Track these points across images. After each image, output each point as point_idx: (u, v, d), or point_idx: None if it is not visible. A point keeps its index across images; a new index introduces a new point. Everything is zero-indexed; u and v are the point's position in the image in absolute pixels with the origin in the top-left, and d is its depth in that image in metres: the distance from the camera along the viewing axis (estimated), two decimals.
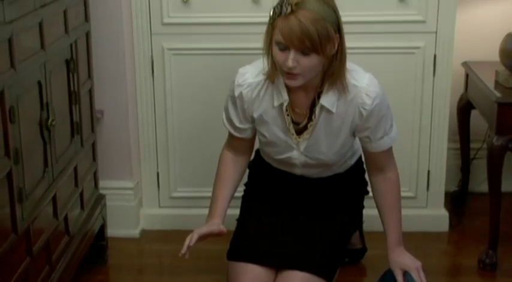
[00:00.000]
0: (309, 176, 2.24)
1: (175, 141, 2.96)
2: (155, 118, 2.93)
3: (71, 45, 2.35)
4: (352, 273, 2.64)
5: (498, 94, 2.63)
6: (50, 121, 2.09)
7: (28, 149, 1.94)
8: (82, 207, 2.49)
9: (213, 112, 2.83)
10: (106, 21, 2.76)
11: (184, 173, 3.00)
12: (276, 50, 1.96)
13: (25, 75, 1.91)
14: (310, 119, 2.11)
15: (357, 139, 2.21)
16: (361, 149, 2.26)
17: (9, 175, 1.82)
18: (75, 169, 2.39)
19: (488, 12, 3.11)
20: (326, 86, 2.04)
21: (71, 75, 2.34)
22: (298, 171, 2.23)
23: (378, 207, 2.22)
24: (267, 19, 2.01)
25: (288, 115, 2.11)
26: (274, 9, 1.94)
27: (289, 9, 1.89)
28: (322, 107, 2.07)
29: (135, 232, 3.00)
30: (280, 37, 1.91)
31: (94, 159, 2.67)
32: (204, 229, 2.10)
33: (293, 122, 2.12)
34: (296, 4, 1.88)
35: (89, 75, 2.60)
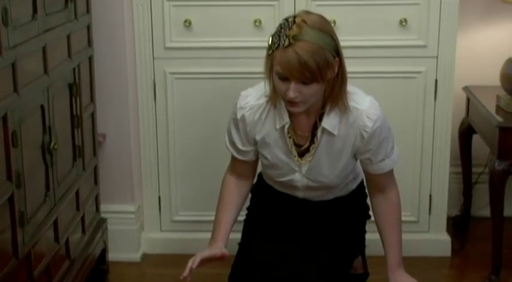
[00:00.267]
0: (311, 199, 2.24)
1: (177, 165, 2.96)
2: (157, 142, 2.93)
3: (74, 69, 2.36)
4: None
5: (499, 119, 2.64)
6: (52, 145, 2.09)
7: (30, 172, 1.94)
8: (83, 231, 2.49)
9: (214, 136, 2.84)
10: (109, 45, 2.78)
11: (185, 197, 3.00)
12: (276, 79, 1.97)
13: (28, 99, 1.92)
14: (312, 142, 2.11)
15: (359, 162, 2.21)
16: (363, 173, 2.26)
17: (11, 199, 1.82)
18: (77, 193, 2.39)
19: (489, 37, 3.12)
20: (327, 108, 2.05)
21: (73, 99, 2.35)
22: (300, 194, 2.23)
23: (378, 227, 2.22)
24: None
25: (290, 137, 2.11)
26: (272, 38, 1.95)
27: (286, 42, 1.90)
28: (324, 129, 2.07)
29: (136, 256, 2.99)
30: (280, 69, 1.93)
31: (96, 182, 2.67)
32: (207, 252, 2.09)
33: (295, 144, 2.13)
34: (293, 37, 1.90)
35: (92, 99, 2.61)
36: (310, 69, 1.89)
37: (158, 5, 2.79)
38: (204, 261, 2.07)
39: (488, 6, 3.08)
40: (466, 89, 3.03)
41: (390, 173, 2.18)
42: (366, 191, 2.30)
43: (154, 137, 2.93)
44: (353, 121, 2.06)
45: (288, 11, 2.67)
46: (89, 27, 2.54)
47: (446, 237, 2.99)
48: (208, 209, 2.67)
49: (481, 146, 2.99)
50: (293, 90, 1.93)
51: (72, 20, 2.33)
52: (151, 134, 2.92)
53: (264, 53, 2.03)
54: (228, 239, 2.18)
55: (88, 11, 2.54)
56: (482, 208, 3.19)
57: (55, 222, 2.16)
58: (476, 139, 3.03)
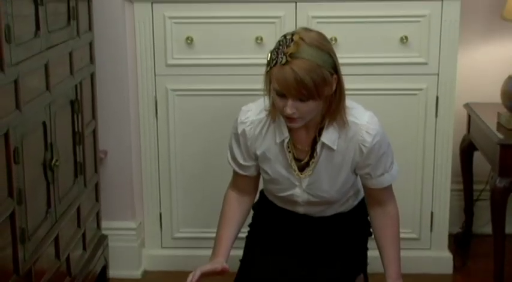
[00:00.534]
0: (312, 214, 2.24)
1: (178, 181, 2.96)
2: (158, 159, 2.94)
3: (76, 86, 2.37)
4: None
5: (500, 136, 2.64)
6: (53, 161, 2.09)
7: (31, 189, 1.94)
8: (84, 247, 2.48)
9: (216, 153, 2.84)
10: (111, 62, 2.79)
11: (186, 214, 2.99)
12: (274, 95, 1.98)
13: (30, 115, 1.92)
14: (312, 156, 2.12)
15: (359, 178, 2.21)
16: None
17: (12, 215, 1.82)
18: (78, 209, 2.39)
19: (489, 55, 3.13)
20: (326, 123, 2.06)
21: (75, 115, 2.35)
22: (301, 209, 2.23)
23: (376, 241, 2.22)
24: None
25: (289, 152, 2.12)
26: (271, 55, 1.97)
27: (284, 60, 1.91)
28: (324, 144, 2.08)
29: (137, 273, 2.98)
30: (277, 86, 1.94)
31: (97, 199, 2.67)
32: (208, 266, 2.10)
33: (295, 158, 2.13)
34: (290, 54, 1.91)
35: (93, 116, 2.61)
36: (306, 87, 1.90)
37: (160, 22, 2.81)
38: (204, 275, 2.07)
39: (488, 23, 3.10)
40: (467, 106, 3.04)
41: (389, 187, 2.18)
42: (368, 214, 2.29)
43: (155, 154, 2.93)
44: (352, 136, 2.07)
45: (289, 28, 2.68)
46: (91, 45, 2.55)
47: (447, 255, 2.98)
48: (209, 225, 2.67)
49: (482, 163, 2.99)
50: (290, 107, 1.94)
51: (75, 37, 2.34)
52: (152, 150, 2.93)
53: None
54: (229, 254, 2.18)
55: (90, 28, 2.55)
56: (483, 225, 3.18)
57: (56, 239, 2.16)
58: (477, 156, 3.03)
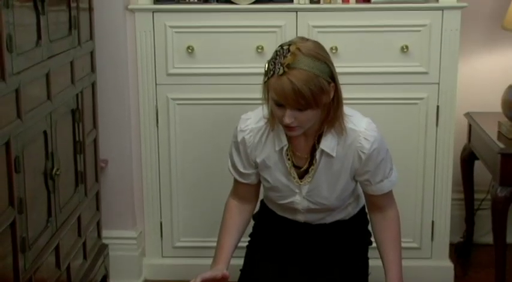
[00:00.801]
0: (312, 222, 2.24)
1: (178, 191, 2.96)
2: (159, 168, 2.94)
3: (77, 95, 2.37)
4: None
5: (501, 145, 2.64)
6: (54, 171, 2.09)
7: (32, 198, 1.94)
8: (85, 257, 2.48)
9: (217, 162, 2.84)
10: (112, 71, 2.80)
11: (187, 223, 2.99)
12: (273, 104, 1.99)
13: (31, 125, 1.92)
14: (311, 163, 2.12)
15: (359, 185, 2.22)
16: (364, 197, 2.26)
17: (12, 225, 1.81)
18: (79, 219, 2.39)
19: (490, 64, 3.14)
20: (325, 130, 2.07)
21: (76, 125, 2.35)
22: (301, 217, 2.23)
23: (378, 246, 2.22)
24: None
25: (288, 159, 2.13)
26: (268, 65, 1.97)
27: (281, 70, 1.92)
28: (323, 151, 2.09)
29: None
30: (275, 96, 1.95)
31: (97, 208, 2.66)
32: (208, 273, 2.10)
33: (294, 166, 2.14)
34: (287, 65, 1.92)
35: (94, 125, 2.61)
36: (304, 97, 1.91)
37: (161, 31, 2.81)
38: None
39: (489, 33, 3.10)
40: (467, 115, 3.04)
41: (389, 193, 2.19)
42: (368, 217, 2.30)
43: (156, 163, 2.93)
44: (351, 143, 2.08)
45: (290, 38, 2.67)
46: (92, 54, 2.56)
47: (448, 264, 2.98)
48: (210, 235, 2.67)
49: (483, 172, 2.99)
50: (288, 117, 1.96)
51: (76, 47, 2.34)
52: (153, 160, 2.93)
53: None
54: (230, 262, 2.18)
55: (91, 37, 2.56)
56: (484, 235, 3.18)
57: (56, 248, 2.15)
58: (478, 165, 3.03)
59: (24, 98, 1.84)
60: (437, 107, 2.84)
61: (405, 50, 2.78)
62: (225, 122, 2.81)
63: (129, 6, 2.81)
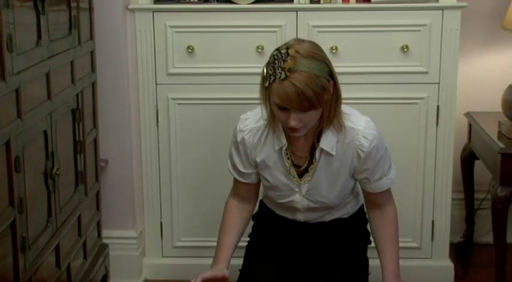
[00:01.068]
0: (311, 220, 2.25)
1: (179, 190, 2.96)
2: (159, 167, 2.94)
3: (77, 95, 2.37)
4: None
5: (501, 145, 2.64)
6: (54, 170, 2.09)
7: (32, 198, 1.94)
8: (85, 256, 2.48)
9: (217, 162, 2.84)
10: (112, 71, 2.80)
11: (187, 223, 2.99)
12: (276, 109, 1.99)
13: (31, 124, 1.92)
14: (311, 162, 2.13)
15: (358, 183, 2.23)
16: (363, 196, 2.27)
17: (13, 224, 1.81)
18: (79, 218, 2.39)
19: (490, 64, 3.14)
20: (324, 128, 2.08)
21: (76, 124, 2.35)
22: (301, 216, 2.24)
23: (376, 243, 2.22)
24: None
25: (288, 158, 2.13)
26: (267, 70, 1.97)
27: (283, 75, 1.93)
28: (322, 150, 2.10)
29: None
30: (278, 100, 1.95)
31: (98, 208, 2.67)
32: (208, 273, 2.10)
33: (294, 165, 2.15)
34: (288, 69, 1.92)
35: (94, 125, 2.61)
36: (308, 98, 1.92)
37: (161, 31, 2.81)
38: (205, 281, 2.08)
39: (489, 33, 3.10)
40: (467, 115, 3.04)
41: (388, 191, 2.20)
42: (367, 216, 2.30)
43: (156, 163, 2.93)
44: (349, 141, 2.09)
45: (290, 37, 2.67)
46: (92, 53, 2.56)
47: (449, 264, 2.98)
48: (210, 234, 2.67)
49: (483, 172, 2.99)
50: (293, 119, 1.97)
51: (76, 46, 2.34)
52: (153, 159, 2.93)
53: None
54: (230, 261, 2.18)
55: (92, 37, 2.56)
56: (485, 234, 3.18)
57: (57, 248, 2.15)
58: (478, 165, 3.03)
59: (24, 97, 1.84)
60: (438, 106, 2.84)
61: (405, 49, 2.78)
62: (225, 122, 2.81)
63: (129, 6, 2.81)
